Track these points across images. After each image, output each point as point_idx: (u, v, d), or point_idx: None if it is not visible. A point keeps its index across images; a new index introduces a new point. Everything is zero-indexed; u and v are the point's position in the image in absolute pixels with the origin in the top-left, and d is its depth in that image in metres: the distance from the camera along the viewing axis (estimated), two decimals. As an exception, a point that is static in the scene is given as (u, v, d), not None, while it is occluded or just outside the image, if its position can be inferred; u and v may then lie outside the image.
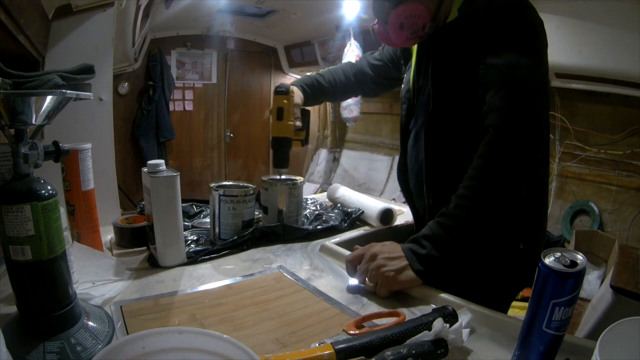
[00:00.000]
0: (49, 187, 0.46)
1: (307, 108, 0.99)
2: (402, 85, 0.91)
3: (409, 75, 0.88)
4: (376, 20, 0.84)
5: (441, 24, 0.77)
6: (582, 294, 1.76)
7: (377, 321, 0.56)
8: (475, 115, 0.71)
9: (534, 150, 0.68)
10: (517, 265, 0.79)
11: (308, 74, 1.05)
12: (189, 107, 3.77)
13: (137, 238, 0.81)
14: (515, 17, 0.69)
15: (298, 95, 0.94)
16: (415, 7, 0.74)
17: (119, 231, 0.82)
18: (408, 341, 0.47)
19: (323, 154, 4.39)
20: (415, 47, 0.87)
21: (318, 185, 4.12)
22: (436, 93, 0.77)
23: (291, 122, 0.92)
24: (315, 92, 1.01)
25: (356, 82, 1.05)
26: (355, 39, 2.93)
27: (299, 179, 0.96)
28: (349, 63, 1.08)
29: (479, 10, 0.71)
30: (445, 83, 0.76)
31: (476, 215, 0.66)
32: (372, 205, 1.04)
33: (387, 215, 1.02)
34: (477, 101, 0.70)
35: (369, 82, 1.05)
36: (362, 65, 1.05)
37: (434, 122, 0.78)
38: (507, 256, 0.79)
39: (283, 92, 0.91)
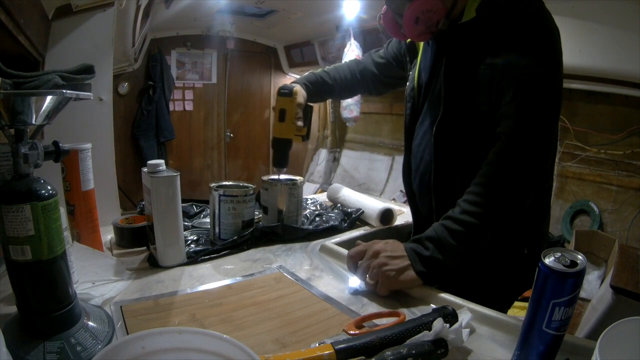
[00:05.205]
0: (49, 187, 0.46)
1: (310, 104, 0.99)
2: (407, 84, 0.89)
3: (414, 73, 0.87)
4: (382, 11, 0.82)
5: (453, 22, 0.75)
6: (582, 294, 1.76)
7: (377, 321, 0.56)
8: (487, 119, 0.70)
9: (543, 161, 0.68)
10: (520, 270, 0.79)
11: (313, 71, 1.04)
12: (189, 107, 3.77)
13: (137, 238, 0.81)
14: (535, 24, 0.67)
15: (302, 95, 0.94)
16: (432, 3, 0.72)
17: (119, 231, 0.82)
18: (408, 341, 0.47)
19: (323, 154, 4.39)
20: (421, 45, 0.86)
21: (318, 185, 4.12)
22: (448, 94, 0.75)
23: (293, 123, 0.92)
24: (318, 89, 1.00)
25: (361, 79, 1.04)
26: (355, 39, 2.93)
27: (299, 179, 0.96)
28: (355, 60, 1.06)
29: (498, 13, 0.69)
30: (459, 84, 0.74)
31: (482, 223, 0.66)
32: (372, 205, 1.04)
33: (387, 215, 1.02)
34: (490, 106, 0.69)
35: (374, 80, 1.03)
36: (367, 63, 1.03)
37: (444, 124, 0.76)
38: (511, 261, 0.79)
39: (286, 94, 0.91)
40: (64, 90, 0.45)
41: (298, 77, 1.02)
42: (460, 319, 0.51)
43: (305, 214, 1.04)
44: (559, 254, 0.42)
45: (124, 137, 3.27)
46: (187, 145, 3.83)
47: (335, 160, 4.33)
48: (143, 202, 0.79)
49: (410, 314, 0.59)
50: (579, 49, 1.93)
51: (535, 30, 0.67)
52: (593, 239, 2.13)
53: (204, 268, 0.75)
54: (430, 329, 0.47)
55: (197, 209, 1.04)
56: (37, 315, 0.46)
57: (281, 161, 0.94)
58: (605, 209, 2.30)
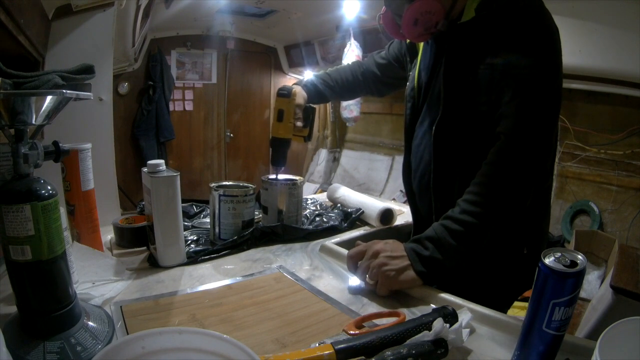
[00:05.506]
0: (49, 187, 0.46)
1: (312, 106, 1.00)
2: (407, 84, 0.89)
3: (414, 73, 0.87)
4: (382, 11, 0.82)
5: (452, 22, 0.75)
6: (582, 294, 1.76)
7: (377, 321, 0.56)
8: (487, 119, 0.70)
9: (542, 160, 0.68)
10: (520, 270, 0.79)
11: (315, 73, 1.05)
12: (189, 107, 3.77)
13: (137, 238, 0.81)
14: (535, 24, 0.67)
15: (301, 96, 0.95)
16: (431, 4, 0.72)
17: (119, 231, 0.83)
18: (408, 341, 0.47)
19: (323, 154, 4.39)
20: (421, 45, 0.86)
21: (318, 185, 4.12)
22: (448, 94, 0.75)
23: (290, 124, 0.93)
24: (320, 91, 1.01)
25: (363, 81, 1.04)
26: (355, 39, 2.93)
27: (299, 179, 0.96)
28: (357, 62, 1.07)
29: (498, 13, 0.69)
30: (459, 84, 0.73)
31: (482, 222, 0.66)
32: (372, 205, 1.04)
33: (387, 215, 1.02)
34: (490, 106, 0.69)
35: (375, 81, 1.04)
36: (369, 65, 1.04)
37: (444, 124, 0.76)
38: (510, 261, 0.79)
39: (284, 94, 0.93)
40: (64, 90, 0.45)
41: (298, 77, 1.03)
42: (460, 319, 0.51)
43: (305, 214, 1.04)
44: (559, 254, 0.42)
45: (124, 137, 3.27)
46: (187, 145, 3.83)
47: (335, 160, 4.33)
48: (143, 202, 0.79)
49: (410, 314, 0.59)
50: (579, 49, 1.93)
51: (535, 30, 0.67)
52: (593, 239, 2.13)
53: (204, 268, 0.75)
54: (430, 329, 0.47)
55: (197, 209, 1.04)
56: (37, 315, 0.46)
57: (278, 160, 0.96)
58: (605, 209, 2.30)
